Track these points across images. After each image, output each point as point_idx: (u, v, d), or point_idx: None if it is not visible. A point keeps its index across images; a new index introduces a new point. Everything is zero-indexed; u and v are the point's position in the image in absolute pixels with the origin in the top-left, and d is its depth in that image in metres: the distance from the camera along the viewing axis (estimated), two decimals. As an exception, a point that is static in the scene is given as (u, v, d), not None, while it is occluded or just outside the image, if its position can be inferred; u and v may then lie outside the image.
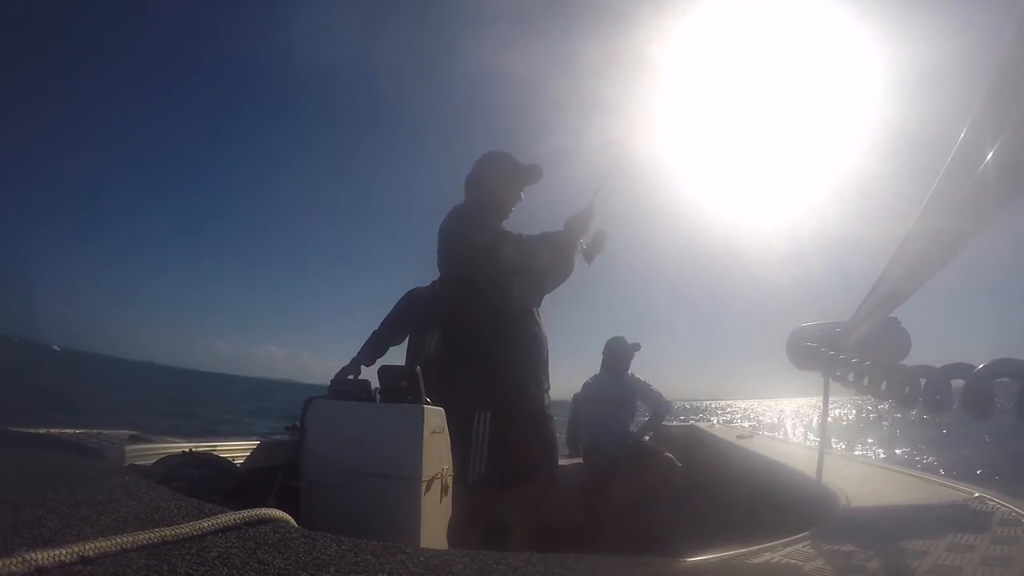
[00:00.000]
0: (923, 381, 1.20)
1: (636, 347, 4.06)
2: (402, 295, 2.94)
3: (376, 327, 2.89)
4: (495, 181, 2.31)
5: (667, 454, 3.65)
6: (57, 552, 0.67)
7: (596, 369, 4.13)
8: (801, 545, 1.12)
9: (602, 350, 4.06)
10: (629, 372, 4.02)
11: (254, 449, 2.32)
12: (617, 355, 4.00)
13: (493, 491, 2.15)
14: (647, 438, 3.96)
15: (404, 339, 2.87)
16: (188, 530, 0.83)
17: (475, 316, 2.20)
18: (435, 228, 2.45)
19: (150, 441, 1.99)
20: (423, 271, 2.91)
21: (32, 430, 1.79)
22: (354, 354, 2.80)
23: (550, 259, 2.17)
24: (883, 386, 1.47)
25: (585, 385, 4.08)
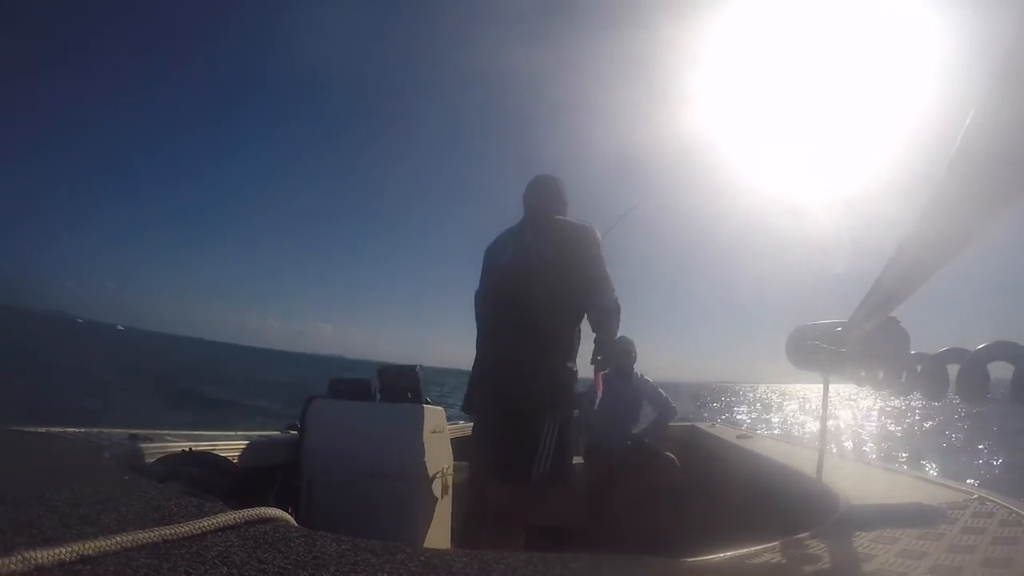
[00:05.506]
0: (919, 368, 1.20)
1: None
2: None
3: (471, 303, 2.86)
4: (534, 203, 2.42)
5: (668, 454, 3.64)
6: (57, 551, 0.67)
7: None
8: (801, 545, 1.12)
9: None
10: (637, 373, 3.97)
11: (254, 448, 2.32)
12: (627, 355, 3.95)
13: (552, 489, 2.23)
14: (648, 440, 3.94)
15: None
16: (188, 529, 0.83)
17: None
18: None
19: (150, 440, 1.99)
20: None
21: (32, 429, 1.79)
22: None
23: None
24: (880, 375, 1.48)
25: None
